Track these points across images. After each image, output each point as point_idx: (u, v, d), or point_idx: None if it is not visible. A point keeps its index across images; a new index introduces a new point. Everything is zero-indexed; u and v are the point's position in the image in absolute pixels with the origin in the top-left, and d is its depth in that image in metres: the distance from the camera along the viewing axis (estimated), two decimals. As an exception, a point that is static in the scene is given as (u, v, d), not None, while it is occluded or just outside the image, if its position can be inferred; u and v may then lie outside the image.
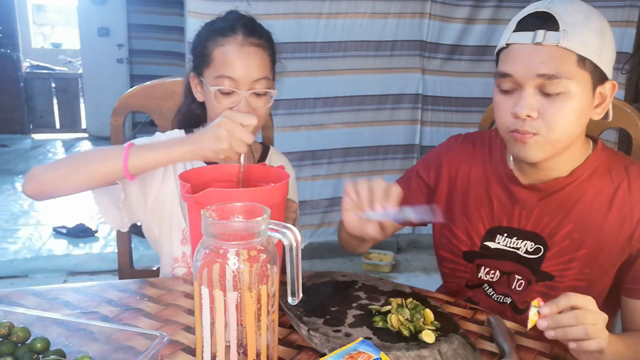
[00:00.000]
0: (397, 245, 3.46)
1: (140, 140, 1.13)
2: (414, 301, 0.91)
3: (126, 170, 0.97)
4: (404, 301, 0.91)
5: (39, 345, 0.73)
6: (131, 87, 1.39)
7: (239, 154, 0.97)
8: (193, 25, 2.61)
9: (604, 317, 0.79)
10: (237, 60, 1.10)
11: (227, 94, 1.11)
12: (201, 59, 1.15)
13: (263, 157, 1.31)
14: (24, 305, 0.94)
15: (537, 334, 0.93)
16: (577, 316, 0.78)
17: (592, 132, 1.21)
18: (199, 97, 1.19)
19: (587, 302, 0.79)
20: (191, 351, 0.82)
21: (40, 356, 0.74)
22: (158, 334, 0.72)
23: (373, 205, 0.89)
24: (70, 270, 3.13)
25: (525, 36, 0.91)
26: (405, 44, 3.14)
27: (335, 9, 2.93)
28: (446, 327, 0.86)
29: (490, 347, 0.87)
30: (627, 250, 0.98)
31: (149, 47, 6.27)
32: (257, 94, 1.13)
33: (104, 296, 1.00)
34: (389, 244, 3.39)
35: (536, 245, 1.05)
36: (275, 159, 1.32)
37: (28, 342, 0.75)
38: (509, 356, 0.82)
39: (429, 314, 0.88)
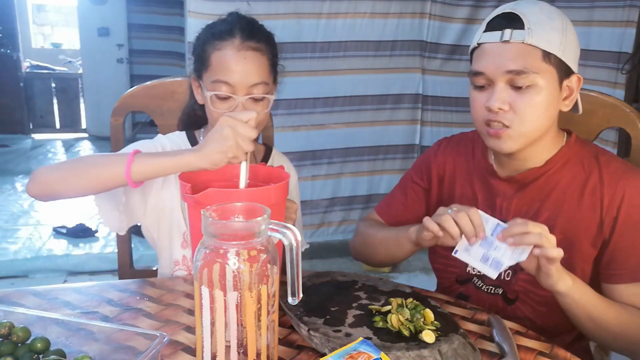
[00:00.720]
0: (397, 245, 3.45)
1: (136, 144, 1.13)
2: (414, 301, 0.91)
3: (129, 177, 0.96)
4: (404, 301, 0.91)
5: (39, 345, 0.73)
6: (131, 87, 1.39)
7: (246, 152, 0.95)
8: (193, 25, 2.61)
9: (553, 236, 0.90)
10: (234, 65, 1.08)
11: (224, 99, 1.09)
12: (200, 63, 1.14)
13: (266, 158, 1.30)
14: (24, 305, 0.94)
15: (537, 333, 0.94)
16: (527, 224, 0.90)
17: (592, 132, 1.22)
18: (200, 100, 1.18)
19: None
20: (191, 351, 0.83)
21: (41, 356, 0.74)
22: (158, 334, 0.72)
23: (468, 238, 0.96)
24: (70, 270, 3.13)
25: (494, 35, 0.98)
26: (405, 44, 3.14)
27: (335, 9, 2.92)
28: (446, 327, 0.86)
29: (490, 347, 0.87)
30: (600, 236, 1.02)
31: (149, 47, 6.27)
32: (255, 99, 1.11)
33: (104, 296, 1.00)
34: (389, 244, 3.38)
35: None
36: (277, 160, 1.32)
37: (28, 342, 0.75)
38: (509, 356, 0.82)
39: (429, 314, 0.88)
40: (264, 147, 1.33)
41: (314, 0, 2.88)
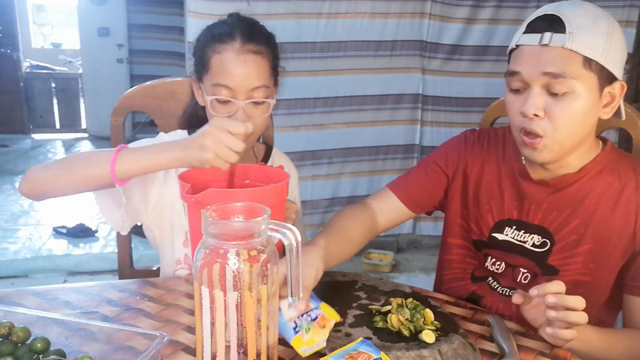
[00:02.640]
0: (397, 245, 3.46)
1: (137, 143, 1.12)
2: (414, 301, 0.91)
3: (113, 175, 0.95)
4: (404, 301, 0.91)
5: (39, 345, 0.73)
6: (131, 87, 1.39)
7: (229, 163, 0.91)
8: (193, 25, 2.61)
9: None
10: (234, 69, 1.07)
11: (224, 102, 1.08)
12: (200, 65, 1.13)
13: (266, 157, 1.30)
14: (24, 305, 0.94)
15: (537, 333, 0.94)
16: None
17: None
18: (200, 101, 1.17)
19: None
20: (191, 351, 0.82)
21: (41, 356, 0.74)
22: (158, 334, 0.72)
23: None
24: (70, 270, 3.13)
25: (533, 38, 0.94)
26: (405, 44, 3.14)
27: (335, 9, 2.92)
28: (446, 327, 0.86)
29: (490, 347, 0.87)
30: (630, 247, 1.00)
31: (149, 47, 6.27)
32: (255, 103, 1.10)
33: (104, 296, 1.00)
34: (389, 244, 3.39)
35: (543, 239, 1.06)
36: (278, 159, 1.32)
37: (28, 342, 0.75)
38: (509, 356, 0.82)
39: (429, 314, 0.88)
40: (265, 146, 1.32)
41: (314, 0, 2.88)
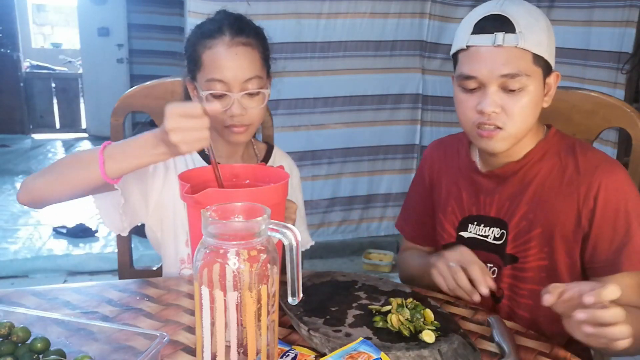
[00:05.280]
0: (397, 245, 3.46)
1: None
2: (414, 301, 0.91)
3: (105, 176, 0.94)
4: (404, 301, 0.91)
5: (39, 345, 0.73)
6: (131, 87, 1.39)
7: (207, 141, 0.90)
8: (193, 26, 2.60)
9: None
10: (226, 62, 1.08)
11: (219, 97, 1.09)
12: (193, 63, 1.14)
13: (267, 156, 1.30)
14: (24, 305, 0.94)
15: (532, 331, 0.94)
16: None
17: (592, 133, 1.21)
18: (197, 101, 1.18)
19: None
20: (191, 351, 0.83)
21: (41, 356, 0.74)
22: (158, 334, 0.72)
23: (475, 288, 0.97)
24: (70, 270, 3.13)
25: (486, 38, 0.97)
26: (405, 44, 3.14)
27: (335, 9, 2.93)
28: (446, 327, 0.86)
29: (490, 347, 0.87)
30: (579, 229, 1.01)
31: (149, 47, 6.26)
32: (250, 94, 1.11)
33: (104, 296, 1.00)
34: (389, 244, 3.39)
35: (501, 231, 1.09)
36: (279, 158, 1.32)
37: (28, 342, 0.75)
38: (509, 356, 0.82)
39: (429, 314, 0.88)
40: (266, 146, 1.32)
41: (314, 0, 2.88)
